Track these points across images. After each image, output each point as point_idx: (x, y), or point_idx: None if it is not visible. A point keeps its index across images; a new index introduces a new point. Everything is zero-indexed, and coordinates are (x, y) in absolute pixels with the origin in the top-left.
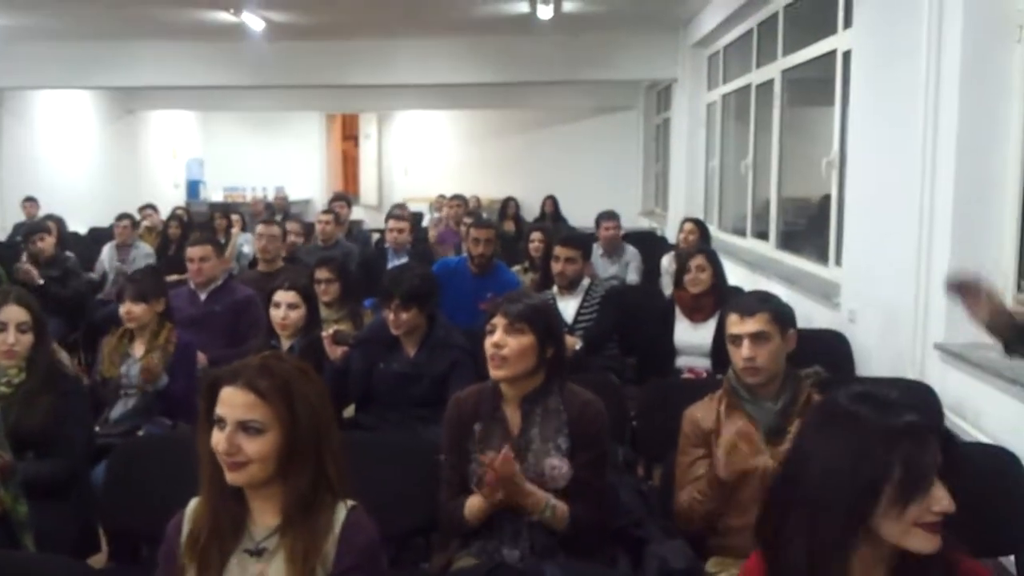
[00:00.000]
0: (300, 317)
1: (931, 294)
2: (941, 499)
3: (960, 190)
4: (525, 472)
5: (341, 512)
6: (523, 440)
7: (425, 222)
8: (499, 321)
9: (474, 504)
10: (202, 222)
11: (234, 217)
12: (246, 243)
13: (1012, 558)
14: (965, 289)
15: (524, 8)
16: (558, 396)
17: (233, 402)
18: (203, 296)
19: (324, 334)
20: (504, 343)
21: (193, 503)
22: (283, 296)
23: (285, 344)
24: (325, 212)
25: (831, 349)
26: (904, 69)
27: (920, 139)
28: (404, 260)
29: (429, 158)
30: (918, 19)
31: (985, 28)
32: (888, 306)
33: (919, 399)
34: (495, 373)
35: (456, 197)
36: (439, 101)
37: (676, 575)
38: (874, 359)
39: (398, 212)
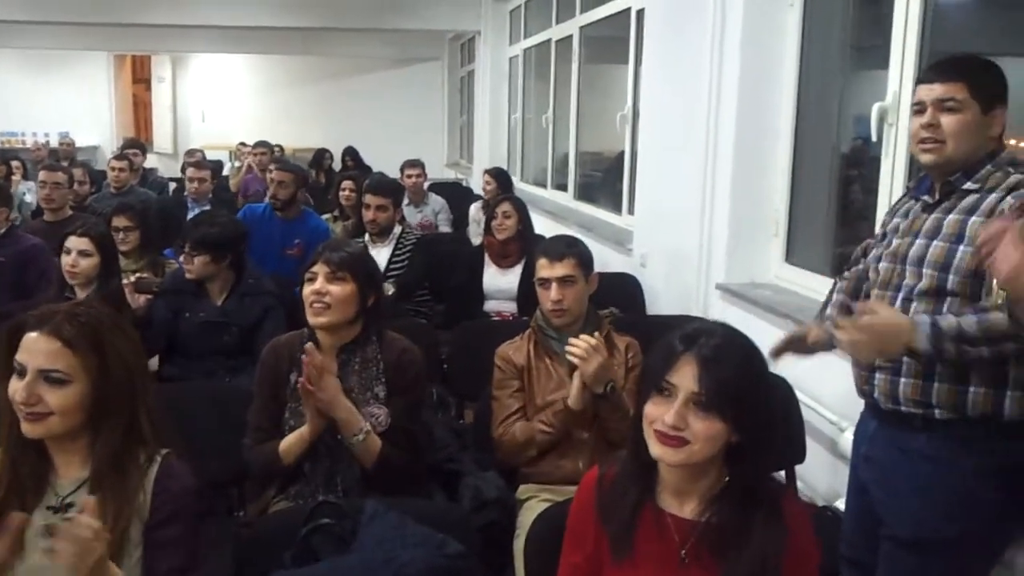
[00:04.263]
0: (92, 266)
1: (713, 239)
2: (663, 415)
3: (740, 144)
4: None
5: (155, 461)
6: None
7: (226, 171)
8: (320, 269)
9: (289, 439)
10: None
11: (14, 164)
12: (28, 192)
13: (783, 473)
14: (793, 347)
15: None
16: (376, 344)
17: (36, 349)
18: None
19: (125, 282)
20: (326, 290)
21: None
22: (75, 242)
23: (80, 295)
24: (118, 158)
25: (625, 291)
26: (691, 29)
27: (705, 96)
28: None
29: (228, 104)
30: None
31: None
32: (675, 251)
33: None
34: (316, 319)
35: (261, 144)
36: (238, 45)
37: (489, 503)
38: (662, 299)
39: (197, 160)
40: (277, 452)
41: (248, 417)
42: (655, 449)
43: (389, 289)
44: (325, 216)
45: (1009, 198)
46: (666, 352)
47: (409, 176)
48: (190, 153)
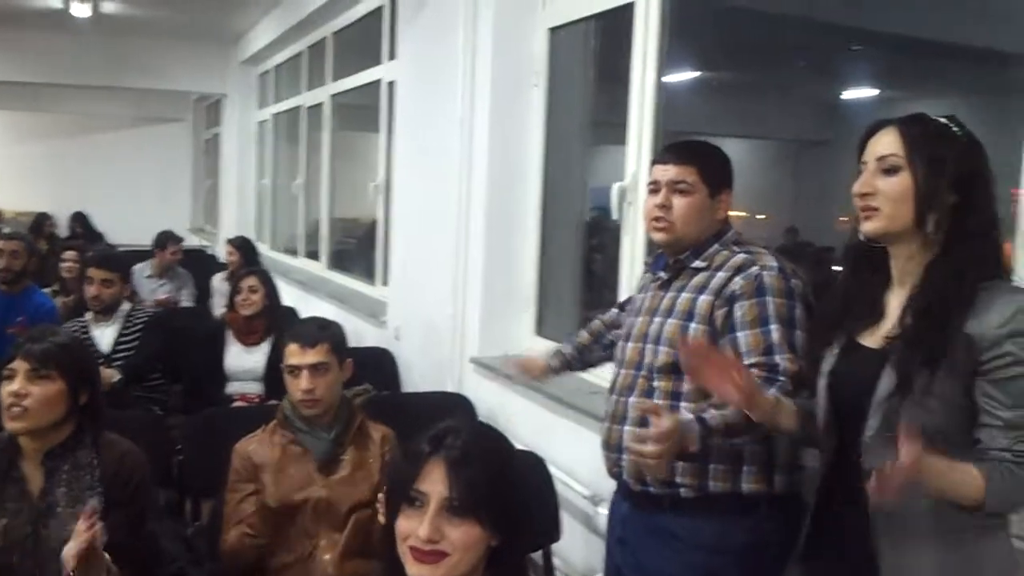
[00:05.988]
0: None
1: (467, 312)
2: (417, 529)
3: (490, 217)
4: (47, 541)
5: None
6: (45, 502)
7: None
8: (19, 366)
9: None
10: None
11: None
12: None
13: (540, 552)
14: (524, 368)
15: (56, 3)
16: (91, 448)
17: None
18: None
19: None
20: (26, 391)
21: None
22: None
23: None
24: None
25: (379, 365)
26: (443, 104)
27: (456, 168)
28: None
29: None
30: (454, 59)
31: (510, 73)
32: (429, 324)
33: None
34: (12, 425)
35: None
36: None
37: None
38: (417, 373)
39: None
40: None
41: None
42: (412, 569)
43: (115, 376)
44: (45, 291)
45: (738, 279)
46: (413, 458)
47: (174, 253)
48: None
